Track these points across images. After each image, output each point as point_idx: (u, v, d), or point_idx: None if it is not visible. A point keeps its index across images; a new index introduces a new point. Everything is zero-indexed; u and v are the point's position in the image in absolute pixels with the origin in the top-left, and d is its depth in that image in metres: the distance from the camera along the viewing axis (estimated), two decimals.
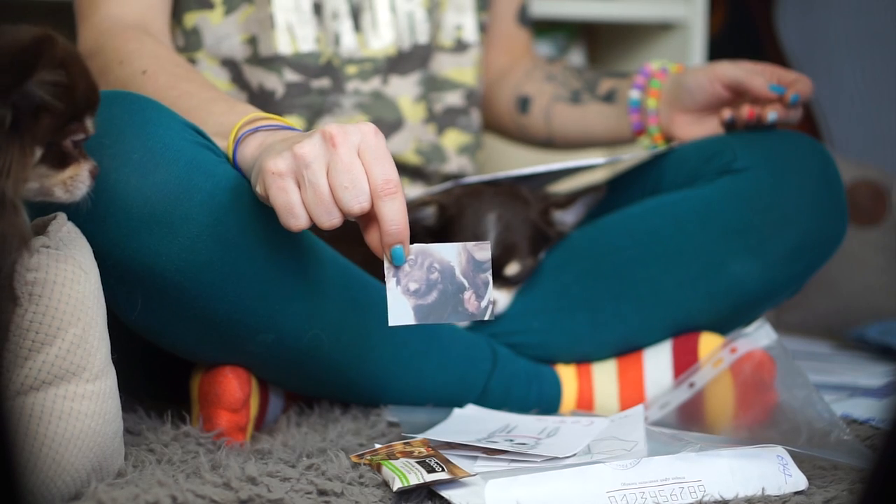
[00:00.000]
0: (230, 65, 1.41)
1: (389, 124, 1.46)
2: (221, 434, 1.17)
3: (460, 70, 1.51)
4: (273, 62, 1.40)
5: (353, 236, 1.06)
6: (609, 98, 1.50)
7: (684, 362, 1.34)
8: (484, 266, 1.04)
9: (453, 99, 1.51)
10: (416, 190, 1.48)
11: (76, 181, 0.98)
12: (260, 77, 1.41)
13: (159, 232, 1.07)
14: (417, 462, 1.02)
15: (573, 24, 2.16)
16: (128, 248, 1.07)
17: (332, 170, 0.98)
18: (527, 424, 1.20)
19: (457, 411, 1.28)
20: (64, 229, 1.01)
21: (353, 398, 1.29)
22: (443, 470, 1.00)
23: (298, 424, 1.24)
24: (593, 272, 1.36)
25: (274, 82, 1.40)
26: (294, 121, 1.40)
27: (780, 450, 1.06)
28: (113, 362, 1.01)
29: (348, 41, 1.43)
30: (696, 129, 1.42)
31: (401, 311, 1.02)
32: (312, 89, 1.42)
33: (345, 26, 1.43)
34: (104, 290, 1.02)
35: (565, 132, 1.56)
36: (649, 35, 2.09)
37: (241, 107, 1.17)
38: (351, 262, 1.22)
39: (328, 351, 1.20)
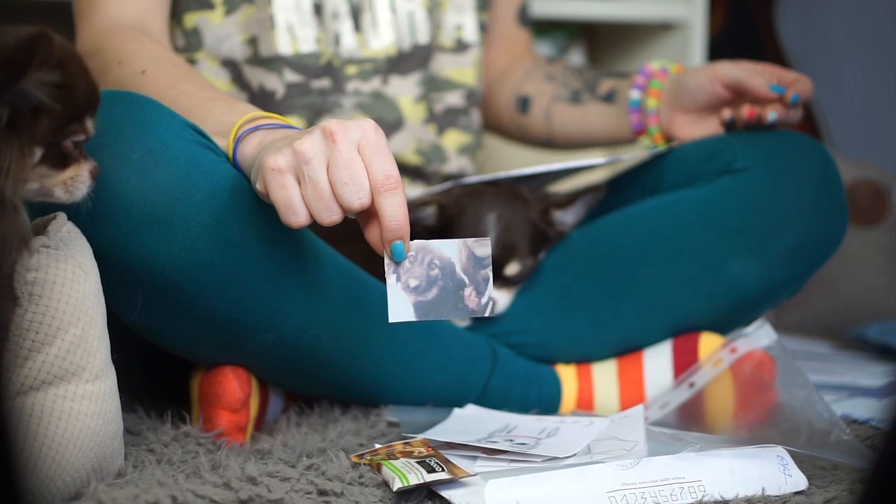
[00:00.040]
0: (230, 65, 1.41)
1: (390, 124, 1.46)
2: (221, 434, 1.17)
3: (460, 70, 1.51)
4: (273, 62, 1.40)
5: (353, 235, 1.06)
6: (609, 98, 1.50)
7: (684, 362, 1.34)
8: (484, 262, 1.04)
9: (453, 99, 1.51)
10: (416, 190, 1.48)
11: (76, 182, 0.98)
12: (260, 77, 1.41)
13: (159, 232, 1.07)
14: (417, 462, 1.02)
15: (573, 24, 2.16)
16: (128, 247, 1.07)
17: (333, 166, 0.98)
18: (527, 424, 1.20)
19: (457, 411, 1.28)
20: (64, 229, 1.01)
21: (353, 398, 1.29)
22: (443, 470, 1.00)
23: (298, 424, 1.24)
24: (593, 272, 1.36)
25: (274, 83, 1.40)
26: (294, 121, 1.40)
27: (780, 450, 1.06)
28: (113, 362, 1.01)
29: (348, 41, 1.43)
30: (696, 129, 1.42)
31: (401, 307, 1.02)
32: (313, 89, 1.42)
33: (345, 26, 1.43)
34: (104, 290, 1.02)
35: (565, 132, 1.56)
36: (649, 35, 2.09)
37: (241, 106, 1.17)
38: (351, 262, 1.22)
39: (328, 351, 1.20)
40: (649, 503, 0.99)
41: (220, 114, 1.15)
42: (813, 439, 1.15)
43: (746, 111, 1.38)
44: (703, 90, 1.39)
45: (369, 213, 1.00)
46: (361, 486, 1.01)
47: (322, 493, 0.99)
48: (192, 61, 1.41)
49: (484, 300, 1.04)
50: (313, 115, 1.42)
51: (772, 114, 1.36)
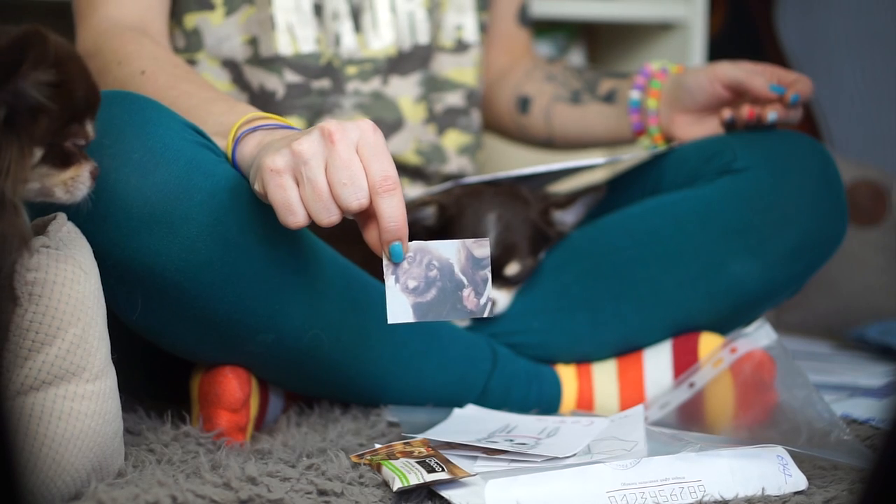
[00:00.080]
0: (231, 66, 1.41)
1: (390, 125, 1.46)
2: (221, 434, 1.17)
3: (461, 70, 1.51)
4: (273, 63, 1.40)
5: (353, 235, 1.06)
6: (609, 98, 1.50)
7: (684, 362, 1.34)
8: (483, 263, 1.04)
9: (454, 99, 1.51)
10: (416, 190, 1.48)
11: (77, 182, 0.98)
12: (260, 78, 1.41)
13: (159, 232, 1.07)
14: (417, 462, 1.02)
15: (573, 24, 2.16)
16: (128, 248, 1.07)
17: (331, 166, 0.98)
18: (527, 424, 1.20)
19: (457, 411, 1.28)
20: (64, 229, 1.01)
21: (353, 398, 1.29)
22: (443, 470, 1.00)
23: (298, 424, 1.24)
24: (593, 272, 1.36)
25: (274, 83, 1.40)
26: (294, 121, 1.40)
27: (780, 450, 1.06)
28: (113, 362, 1.01)
29: (348, 42, 1.43)
30: (696, 129, 1.42)
31: (400, 308, 1.02)
32: (313, 90, 1.42)
33: (345, 27, 1.43)
34: (104, 290, 1.02)
35: (565, 132, 1.56)
36: (649, 35, 2.09)
37: (241, 107, 1.17)
38: (351, 262, 1.22)
39: (328, 351, 1.20)
40: (649, 503, 0.99)
41: (220, 114, 1.15)
42: (813, 439, 1.15)
43: (746, 111, 1.38)
44: (703, 90, 1.39)
45: (368, 214, 1.00)
46: (361, 486, 1.01)
47: (322, 493, 0.99)
48: (192, 62, 1.41)
49: (483, 301, 1.04)
50: (313, 116, 1.42)
51: (772, 114, 1.36)
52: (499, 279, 1.34)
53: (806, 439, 1.15)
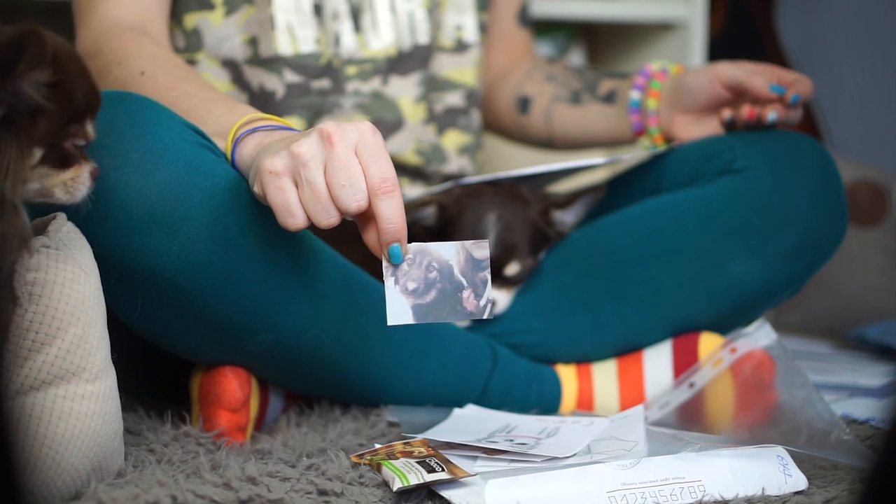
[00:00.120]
0: (231, 66, 1.41)
1: (389, 125, 1.46)
2: (221, 434, 1.17)
3: (460, 70, 1.51)
4: (273, 63, 1.40)
5: (353, 236, 1.06)
6: (609, 98, 1.50)
7: (684, 362, 1.34)
8: (482, 264, 1.04)
9: (453, 99, 1.51)
10: (416, 190, 1.48)
11: (77, 182, 0.98)
12: (260, 78, 1.41)
13: (159, 232, 1.07)
14: (417, 462, 1.02)
15: (573, 24, 2.16)
16: (128, 248, 1.07)
17: (330, 168, 0.98)
18: (527, 424, 1.20)
19: (457, 411, 1.28)
20: (64, 229, 1.01)
21: (353, 398, 1.29)
22: (443, 470, 1.00)
23: (298, 424, 1.24)
24: (593, 272, 1.36)
25: (274, 83, 1.40)
26: (294, 122, 1.40)
27: (780, 450, 1.06)
28: (113, 362, 1.01)
29: (348, 42, 1.43)
30: (697, 129, 1.42)
31: (399, 310, 1.02)
32: (312, 90, 1.42)
33: (345, 27, 1.43)
34: (104, 290, 1.02)
35: (565, 132, 1.56)
36: (649, 35, 2.09)
37: (241, 107, 1.17)
38: (351, 263, 1.22)
39: (328, 351, 1.20)
40: (649, 503, 0.99)
41: (220, 115, 1.15)
42: (813, 439, 1.15)
43: (746, 111, 1.38)
44: (703, 90, 1.39)
45: (367, 216, 1.00)
46: (361, 486, 1.01)
47: (322, 493, 0.99)
48: (192, 62, 1.41)
49: (482, 302, 1.04)
50: (313, 116, 1.42)
51: (772, 114, 1.36)
52: (499, 279, 1.34)
53: (806, 439, 1.15)
